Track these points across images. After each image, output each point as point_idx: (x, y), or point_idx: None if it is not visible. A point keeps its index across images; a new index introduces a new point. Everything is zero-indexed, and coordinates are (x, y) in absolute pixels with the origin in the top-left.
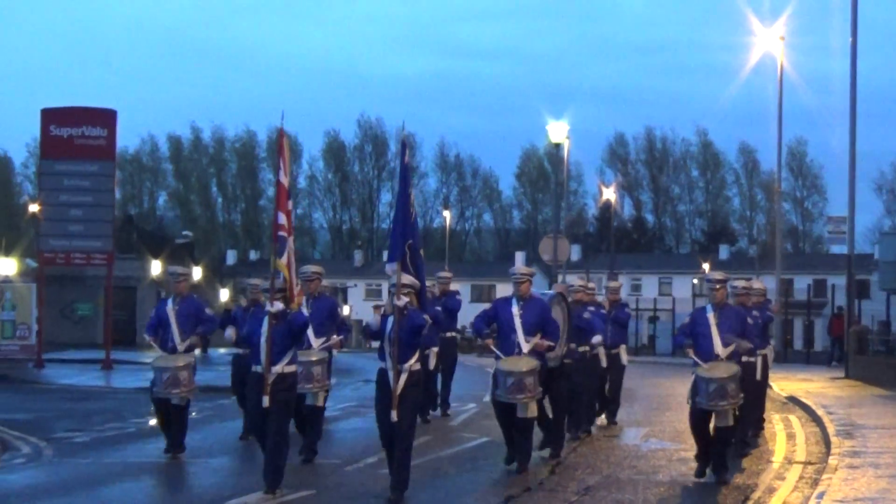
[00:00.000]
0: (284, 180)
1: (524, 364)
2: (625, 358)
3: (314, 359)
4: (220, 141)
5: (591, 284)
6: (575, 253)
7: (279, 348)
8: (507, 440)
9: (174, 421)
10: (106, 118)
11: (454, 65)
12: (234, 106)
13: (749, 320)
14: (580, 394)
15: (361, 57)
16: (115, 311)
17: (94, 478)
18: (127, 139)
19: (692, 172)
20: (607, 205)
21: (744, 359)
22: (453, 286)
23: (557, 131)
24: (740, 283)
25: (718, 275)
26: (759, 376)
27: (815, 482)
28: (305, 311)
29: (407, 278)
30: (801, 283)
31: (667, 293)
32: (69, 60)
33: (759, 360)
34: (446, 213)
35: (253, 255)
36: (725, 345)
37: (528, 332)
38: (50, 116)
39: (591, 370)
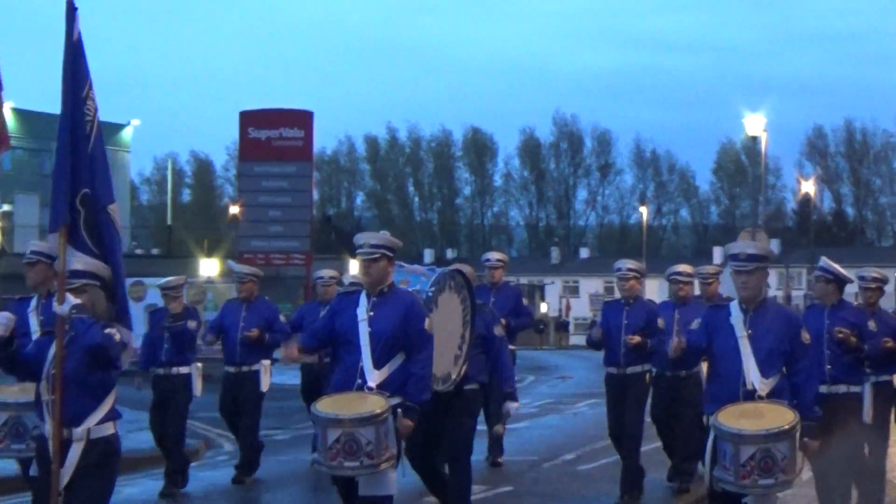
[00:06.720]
0: None
1: (365, 404)
2: None
3: None
4: (416, 140)
5: (686, 268)
6: (774, 247)
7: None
8: None
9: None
10: (303, 119)
11: (645, 58)
12: (429, 105)
13: (805, 337)
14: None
15: (552, 52)
16: None
17: (295, 476)
18: (324, 140)
19: (893, 164)
20: (806, 198)
21: (824, 388)
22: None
23: (754, 124)
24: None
25: (751, 248)
26: (867, 417)
27: None
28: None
29: (82, 261)
30: None
31: None
32: (266, 63)
33: (868, 391)
34: (643, 209)
35: (450, 254)
36: (767, 375)
37: (382, 352)
38: (248, 119)
39: (691, 395)
